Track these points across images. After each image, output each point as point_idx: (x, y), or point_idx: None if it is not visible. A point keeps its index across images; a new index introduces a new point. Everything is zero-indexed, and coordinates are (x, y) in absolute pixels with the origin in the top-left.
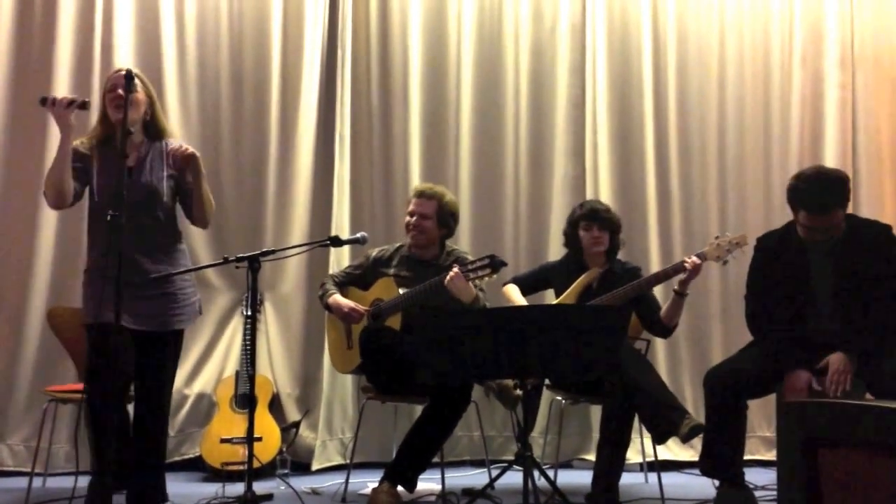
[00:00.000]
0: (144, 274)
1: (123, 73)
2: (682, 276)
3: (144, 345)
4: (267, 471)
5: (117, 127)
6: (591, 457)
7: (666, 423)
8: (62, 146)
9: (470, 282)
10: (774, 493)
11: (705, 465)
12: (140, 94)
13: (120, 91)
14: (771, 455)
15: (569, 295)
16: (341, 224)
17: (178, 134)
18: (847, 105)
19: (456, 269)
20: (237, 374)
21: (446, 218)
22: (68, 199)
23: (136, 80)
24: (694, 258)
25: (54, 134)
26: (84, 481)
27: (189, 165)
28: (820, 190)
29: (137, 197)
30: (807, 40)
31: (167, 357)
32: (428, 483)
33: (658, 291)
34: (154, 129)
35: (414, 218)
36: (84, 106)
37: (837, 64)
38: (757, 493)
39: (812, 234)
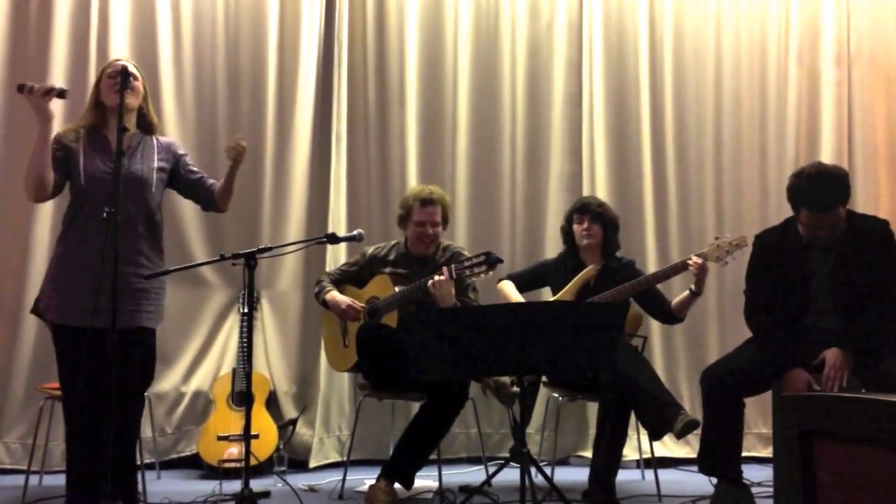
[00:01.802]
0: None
1: (124, 64)
2: (693, 276)
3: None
4: (264, 468)
5: (111, 111)
6: (588, 454)
7: (661, 420)
8: (40, 135)
9: (467, 279)
10: (771, 489)
11: (703, 463)
12: (139, 85)
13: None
14: (767, 452)
15: (567, 292)
16: (338, 221)
17: (174, 132)
18: (843, 102)
19: (437, 277)
20: (234, 371)
21: (447, 218)
22: (48, 191)
23: (135, 72)
24: (696, 258)
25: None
26: None
27: (240, 158)
28: (821, 187)
29: (124, 184)
30: (803, 37)
31: (134, 357)
32: (425, 480)
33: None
34: (147, 122)
35: (429, 228)
36: (62, 95)
37: (833, 61)
38: (754, 490)
39: (813, 231)
